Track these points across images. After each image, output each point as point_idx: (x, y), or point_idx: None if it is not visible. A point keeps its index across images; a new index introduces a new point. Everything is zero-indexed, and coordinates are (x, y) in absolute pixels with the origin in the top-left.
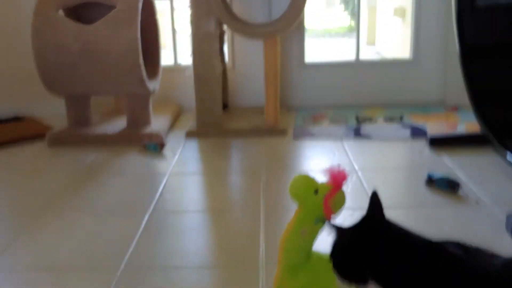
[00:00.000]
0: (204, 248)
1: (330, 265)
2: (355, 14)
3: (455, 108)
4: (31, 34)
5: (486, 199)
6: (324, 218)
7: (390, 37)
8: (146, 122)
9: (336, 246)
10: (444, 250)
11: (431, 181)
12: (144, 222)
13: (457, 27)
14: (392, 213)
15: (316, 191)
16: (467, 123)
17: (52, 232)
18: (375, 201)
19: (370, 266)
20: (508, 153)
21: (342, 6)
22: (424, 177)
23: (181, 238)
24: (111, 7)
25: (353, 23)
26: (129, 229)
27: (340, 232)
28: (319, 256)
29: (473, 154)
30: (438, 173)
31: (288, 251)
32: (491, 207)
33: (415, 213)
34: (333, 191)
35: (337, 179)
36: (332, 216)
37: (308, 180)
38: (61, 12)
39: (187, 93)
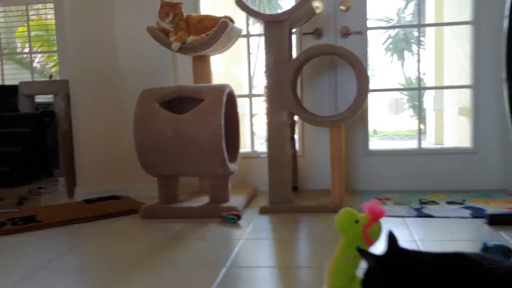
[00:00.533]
0: None
1: None
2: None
3: None
4: (134, 122)
5: None
6: (365, 245)
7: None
8: (226, 199)
9: (367, 275)
10: (464, 255)
11: (486, 249)
12: (221, 274)
13: (511, 116)
14: None
15: (356, 222)
16: None
17: (141, 283)
18: (392, 236)
19: None
20: None
21: (411, 111)
22: (480, 247)
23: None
24: (200, 100)
25: (422, 126)
26: (208, 280)
27: (370, 259)
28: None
29: None
30: (493, 242)
31: (334, 275)
32: None
33: None
34: (370, 222)
35: (374, 211)
36: (372, 244)
37: (350, 213)
38: (157, 104)
39: (262, 178)
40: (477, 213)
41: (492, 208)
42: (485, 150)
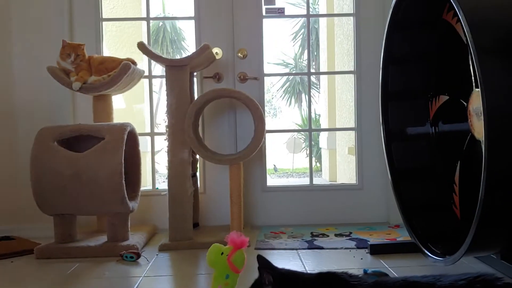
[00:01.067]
0: None
1: None
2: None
3: (397, 226)
4: (30, 161)
5: None
6: (232, 273)
7: (346, 171)
8: (125, 237)
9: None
10: (335, 274)
11: (365, 275)
12: None
13: (387, 155)
14: None
15: (222, 254)
16: (406, 237)
17: None
18: (263, 260)
19: None
20: (429, 254)
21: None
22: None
23: None
24: (100, 139)
25: (318, 164)
26: None
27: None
28: None
29: (406, 257)
30: (372, 269)
31: None
32: None
33: None
34: (232, 251)
35: (235, 242)
36: (238, 271)
37: (216, 247)
38: (55, 143)
39: (162, 215)
40: (361, 244)
41: (374, 239)
42: (368, 187)
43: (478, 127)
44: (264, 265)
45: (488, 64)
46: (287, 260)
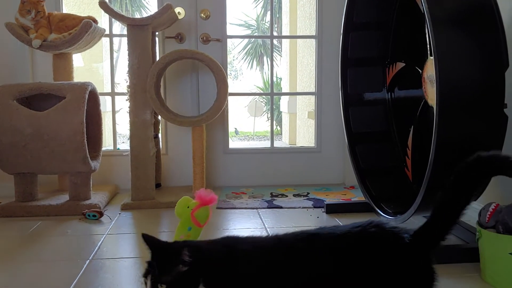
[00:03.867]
0: (135, 280)
1: None
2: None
3: (353, 187)
4: None
5: None
6: (194, 226)
7: (306, 134)
8: (87, 197)
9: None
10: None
11: None
12: (84, 266)
13: (345, 119)
14: None
15: (188, 207)
16: (360, 198)
17: (2, 278)
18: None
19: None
20: (382, 213)
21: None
22: None
23: (115, 275)
24: (60, 98)
25: (278, 128)
26: (72, 272)
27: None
28: None
29: (360, 216)
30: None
31: None
32: None
33: None
34: (197, 206)
35: (202, 198)
36: (200, 225)
37: (184, 200)
38: (14, 101)
39: (124, 176)
40: (317, 204)
41: (330, 199)
42: (326, 150)
43: (431, 94)
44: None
45: (442, 33)
46: (247, 218)
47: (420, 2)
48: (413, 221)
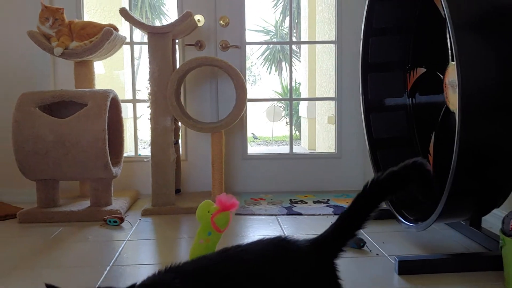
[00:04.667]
0: None
1: None
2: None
3: None
4: (12, 126)
5: (384, 252)
6: (214, 231)
7: (325, 140)
8: (108, 202)
9: None
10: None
11: None
12: (105, 273)
13: (365, 125)
14: None
15: (208, 212)
16: None
17: (24, 284)
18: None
19: None
20: (403, 220)
21: (287, 118)
22: None
23: None
24: (82, 105)
25: (297, 133)
26: (92, 278)
27: None
28: None
29: (381, 224)
30: None
31: (191, 256)
32: (386, 257)
33: None
34: (217, 211)
35: (222, 203)
36: (220, 230)
37: (205, 204)
38: (37, 108)
39: (145, 181)
40: (338, 211)
41: None
42: (346, 155)
43: (453, 99)
44: None
45: (464, 38)
46: (266, 225)
47: (441, 7)
48: (434, 228)
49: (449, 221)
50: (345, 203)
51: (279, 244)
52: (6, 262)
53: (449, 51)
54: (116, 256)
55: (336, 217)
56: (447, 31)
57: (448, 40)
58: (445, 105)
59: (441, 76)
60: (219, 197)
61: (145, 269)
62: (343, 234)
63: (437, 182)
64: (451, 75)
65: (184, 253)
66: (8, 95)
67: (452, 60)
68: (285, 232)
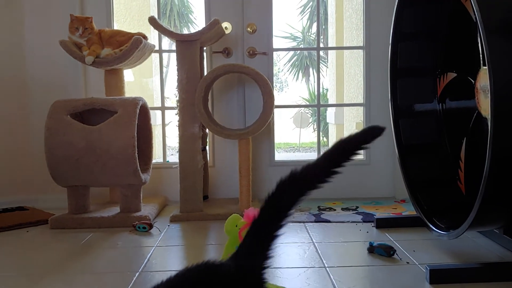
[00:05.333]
0: None
1: None
2: (325, 129)
3: (403, 201)
4: (45, 133)
5: (414, 260)
6: None
7: None
8: (137, 209)
9: None
10: None
11: (371, 247)
12: (134, 279)
13: (395, 131)
14: (338, 270)
15: (236, 226)
16: (412, 212)
17: None
18: None
19: None
20: (434, 228)
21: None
22: (367, 246)
23: None
24: (112, 112)
25: (325, 139)
26: (122, 284)
27: None
28: None
29: (411, 231)
30: (378, 242)
31: None
32: (417, 265)
33: (357, 271)
34: (245, 226)
35: (250, 217)
36: None
37: (233, 218)
38: (68, 116)
39: (173, 188)
40: (367, 218)
41: (380, 213)
42: (375, 162)
43: (484, 105)
44: None
45: (496, 42)
46: (294, 232)
47: (472, 11)
48: (466, 236)
49: (481, 229)
50: (374, 210)
51: (205, 268)
52: (39, 267)
53: (481, 56)
54: (145, 262)
55: (365, 224)
56: (478, 35)
57: (480, 44)
58: (477, 110)
59: (473, 81)
60: (247, 211)
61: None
62: (263, 246)
63: (468, 189)
64: (483, 80)
65: (211, 259)
66: (41, 103)
67: (484, 65)
68: (314, 240)
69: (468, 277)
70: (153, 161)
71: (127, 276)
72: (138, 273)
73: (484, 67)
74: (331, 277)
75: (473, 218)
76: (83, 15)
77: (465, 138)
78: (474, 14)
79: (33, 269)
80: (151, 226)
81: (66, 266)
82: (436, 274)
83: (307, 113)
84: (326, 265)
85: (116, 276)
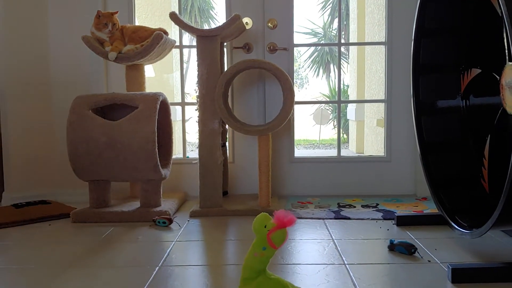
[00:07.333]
0: None
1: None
2: (346, 126)
3: (425, 199)
4: (67, 128)
5: (436, 259)
6: (269, 247)
7: (374, 143)
8: (157, 204)
9: None
10: None
11: (392, 245)
12: (154, 273)
13: (417, 128)
14: (358, 268)
15: (265, 226)
16: (433, 210)
17: (78, 282)
18: None
19: None
20: (456, 227)
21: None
22: (387, 244)
23: (184, 283)
24: (133, 108)
25: (345, 136)
26: (142, 278)
27: None
28: (267, 275)
29: (432, 229)
30: (399, 240)
31: (244, 268)
32: (438, 264)
33: (377, 268)
34: (274, 228)
35: (280, 220)
36: (275, 247)
37: (262, 218)
38: (90, 111)
39: (193, 183)
40: (388, 215)
41: (401, 210)
42: (396, 159)
43: (510, 101)
44: None
45: None
46: (314, 229)
47: (498, 4)
48: (490, 235)
49: (505, 228)
50: (395, 208)
51: None
52: (60, 260)
53: (506, 51)
54: (165, 256)
55: (385, 222)
56: (504, 29)
57: (505, 39)
58: (502, 107)
59: (498, 77)
60: (277, 213)
61: (193, 270)
62: None
63: (492, 187)
64: (508, 76)
65: (231, 255)
66: (63, 98)
67: (510, 61)
68: (333, 236)
69: (491, 276)
70: (173, 156)
71: (147, 270)
72: (158, 267)
73: (510, 63)
74: (351, 274)
75: (497, 217)
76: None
77: (489, 136)
78: (500, 8)
79: (55, 262)
80: (171, 221)
81: (87, 259)
82: (458, 273)
83: (328, 109)
84: (346, 262)
85: (136, 270)
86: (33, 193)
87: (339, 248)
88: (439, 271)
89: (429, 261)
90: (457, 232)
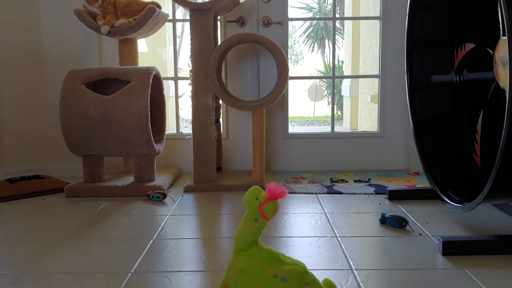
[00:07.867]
0: (197, 260)
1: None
2: (340, 102)
3: (417, 173)
4: (60, 102)
5: (427, 232)
6: (261, 218)
7: (368, 119)
8: (151, 178)
9: None
10: None
11: (383, 219)
12: (148, 246)
13: (410, 103)
14: (350, 240)
15: (257, 199)
16: (425, 184)
17: (73, 254)
18: None
19: None
20: (448, 201)
21: (330, 97)
22: (379, 217)
23: (178, 255)
24: (126, 82)
25: (339, 112)
26: (137, 250)
27: None
28: (259, 246)
29: (424, 204)
30: (390, 213)
31: (237, 239)
32: (429, 237)
33: (368, 241)
34: (266, 200)
35: (271, 192)
36: (267, 219)
37: (254, 190)
38: (82, 85)
39: (186, 159)
40: (380, 190)
41: (393, 185)
42: (389, 134)
43: (503, 76)
44: None
45: None
46: (307, 203)
47: None
48: (481, 209)
49: (496, 202)
50: (387, 182)
51: None
52: (55, 234)
53: (500, 26)
54: (159, 230)
55: (377, 196)
56: (498, 4)
57: (500, 14)
58: (495, 82)
59: (491, 52)
60: (268, 185)
61: (187, 243)
62: None
63: (484, 162)
64: (502, 50)
65: (224, 228)
66: (56, 73)
67: (503, 35)
68: (326, 210)
69: (481, 249)
70: (167, 132)
71: (141, 243)
72: (152, 240)
73: (504, 38)
74: (343, 246)
75: (487, 190)
76: None
77: (482, 110)
78: None
79: (50, 235)
80: (165, 195)
81: (81, 233)
82: (449, 246)
83: (322, 85)
84: (337, 235)
85: (130, 243)
86: (27, 168)
87: (331, 222)
88: (430, 244)
89: (420, 234)
90: (449, 206)
